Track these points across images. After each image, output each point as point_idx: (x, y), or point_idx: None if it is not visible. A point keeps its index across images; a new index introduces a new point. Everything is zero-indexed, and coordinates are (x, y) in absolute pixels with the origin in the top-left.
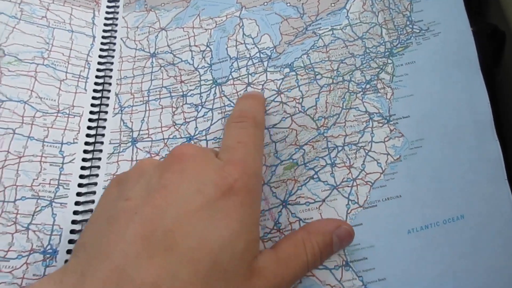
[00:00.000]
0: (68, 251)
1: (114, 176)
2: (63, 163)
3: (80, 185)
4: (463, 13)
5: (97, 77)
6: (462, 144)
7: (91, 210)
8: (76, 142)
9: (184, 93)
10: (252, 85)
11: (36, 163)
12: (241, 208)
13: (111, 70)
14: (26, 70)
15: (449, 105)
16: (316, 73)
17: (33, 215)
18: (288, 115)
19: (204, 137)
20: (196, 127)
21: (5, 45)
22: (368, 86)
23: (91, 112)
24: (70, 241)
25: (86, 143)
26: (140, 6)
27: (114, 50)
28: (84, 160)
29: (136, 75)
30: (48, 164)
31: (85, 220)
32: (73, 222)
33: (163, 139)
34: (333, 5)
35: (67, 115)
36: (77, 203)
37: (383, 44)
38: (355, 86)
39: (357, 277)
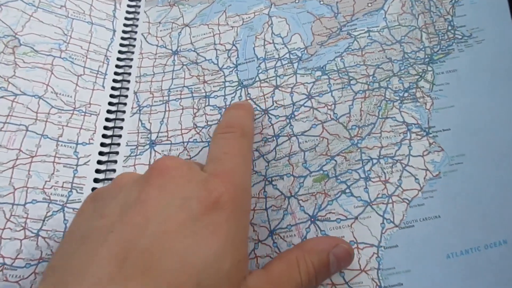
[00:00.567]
0: None
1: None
2: (77, 165)
3: (94, 190)
4: (508, 19)
5: (115, 73)
6: (506, 162)
7: None
8: (92, 143)
9: (207, 94)
10: (280, 88)
11: (49, 163)
12: (227, 224)
13: (130, 66)
14: (42, 63)
15: (493, 118)
16: (351, 78)
17: (43, 220)
18: (319, 122)
19: None
20: None
21: (21, 34)
22: (406, 94)
23: (108, 111)
24: None
25: (102, 144)
26: (163, 0)
27: (134, 46)
28: (99, 162)
29: (156, 73)
30: (62, 165)
31: None
32: None
33: (183, 142)
34: (370, 5)
35: (83, 113)
36: None
37: (423, 49)
38: (392, 93)
39: None
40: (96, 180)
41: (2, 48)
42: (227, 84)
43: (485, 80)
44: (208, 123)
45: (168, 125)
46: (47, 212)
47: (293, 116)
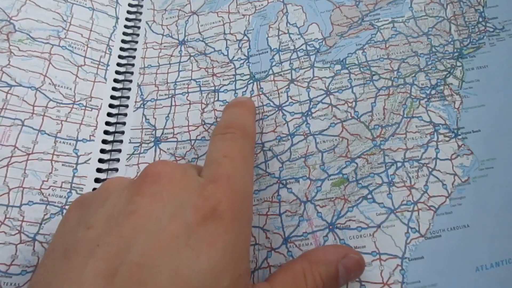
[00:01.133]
0: None
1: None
2: (77, 164)
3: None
4: None
5: (118, 64)
6: None
7: None
8: (93, 140)
9: (216, 88)
10: (295, 82)
11: (46, 162)
12: (227, 235)
13: (133, 57)
14: (39, 51)
15: None
16: (373, 73)
17: (40, 224)
18: (339, 120)
19: None
20: None
21: (16, 19)
22: (433, 91)
23: (111, 106)
24: None
25: (104, 141)
26: None
27: (138, 35)
28: (100, 161)
29: (161, 65)
30: (60, 164)
31: None
32: None
33: (190, 140)
34: None
35: (83, 107)
36: None
37: (452, 42)
38: (419, 91)
39: None
40: (97, 180)
41: None
42: (238, 77)
43: None
44: (217, 119)
45: (174, 121)
46: (44, 215)
47: (309, 113)
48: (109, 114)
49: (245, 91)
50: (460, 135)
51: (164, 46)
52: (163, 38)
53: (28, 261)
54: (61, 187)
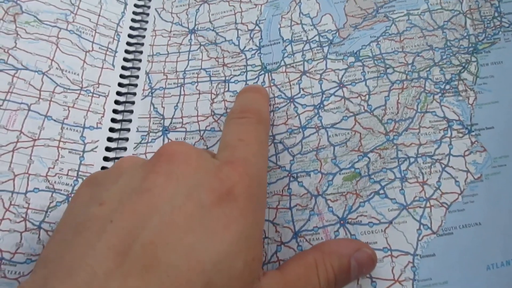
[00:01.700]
0: None
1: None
2: (83, 151)
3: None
4: None
5: (126, 51)
6: None
7: None
8: (100, 127)
9: (227, 78)
10: (308, 74)
11: (53, 148)
12: (242, 218)
13: (142, 44)
14: (46, 35)
15: None
16: (387, 66)
17: (46, 212)
18: (351, 114)
19: None
20: None
21: (23, 0)
22: (448, 87)
23: (118, 93)
24: None
25: (111, 130)
26: None
27: (147, 22)
28: (107, 149)
29: (170, 53)
30: (67, 151)
31: None
32: None
33: (199, 130)
34: None
35: (91, 94)
36: None
37: (467, 37)
38: (433, 85)
39: None
40: (104, 169)
41: (1, 15)
42: (249, 68)
43: None
44: (228, 110)
45: (183, 110)
46: (50, 203)
47: (322, 106)
48: (116, 102)
49: (256, 82)
50: (473, 131)
51: (174, 34)
52: (173, 26)
53: (33, 250)
54: (67, 174)
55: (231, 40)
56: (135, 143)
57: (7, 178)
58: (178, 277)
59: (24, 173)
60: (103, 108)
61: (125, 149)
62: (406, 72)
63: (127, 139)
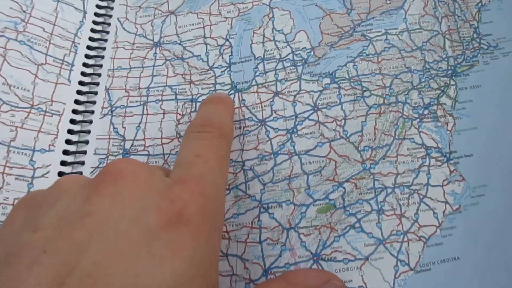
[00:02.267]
0: None
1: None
2: (33, 177)
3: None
4: None
5: (84, 65)
6: None
7: None
8: (53, 150)
9: (194, 97)
10: (280, 95)
11: None
12: (194, 242)
13: (102, 57)
14: None
15: None
16: (364, 89)
17: None
18: (326, 140)
19: None
20: None
21: None
22: (426, 111)
23: (74, 111)
24: None
25: (65, 152)
26: None
27: (108, 33)
28: (60, 174)
29: (133, 67)
30: (13, 177)
31: None
32: None
33: (163, 154)
34: (388, 2)
35: (43, 113)
36: None
37: (446, 59)
38: (411, 110)
39: None
40: None
41: None
42: (217, 86)
43: (511, 98)
44: None
45: (146, 132)
46: None
47: (295, 130)
48: (72, 121)
49: None
50: (452, 159)
51: (137, 47)
52: (136, 37)
53: None
54: (13, 204)
55: (199, 55)
56: (92, 167)
57: None
58: None
59: None
60: (57, 128)
61: (80, 173)
62: (384, 96)
63: (83, 163)
